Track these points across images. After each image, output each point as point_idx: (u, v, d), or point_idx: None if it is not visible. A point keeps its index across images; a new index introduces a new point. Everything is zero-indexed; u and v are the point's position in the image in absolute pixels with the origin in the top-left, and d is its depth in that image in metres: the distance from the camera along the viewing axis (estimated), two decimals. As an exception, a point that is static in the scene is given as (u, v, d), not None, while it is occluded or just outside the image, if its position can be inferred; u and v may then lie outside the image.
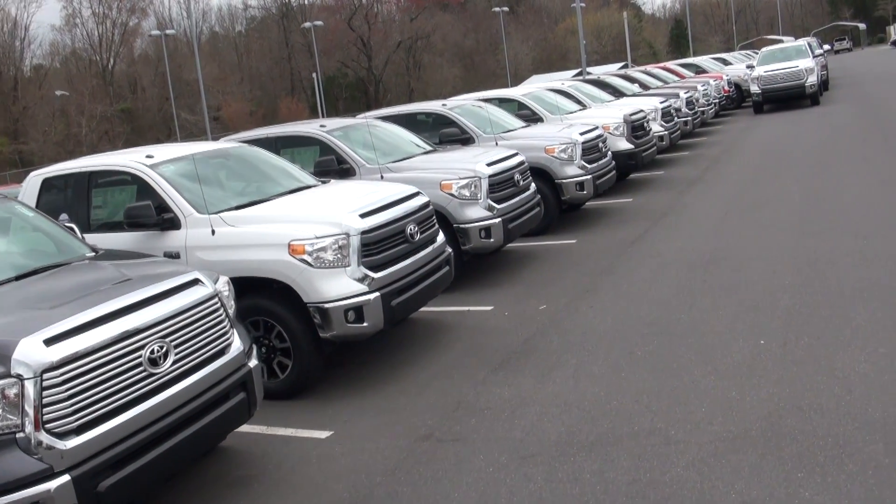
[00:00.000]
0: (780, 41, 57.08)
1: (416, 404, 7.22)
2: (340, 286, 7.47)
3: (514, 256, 12.38)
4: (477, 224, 10.59)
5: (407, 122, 14.49)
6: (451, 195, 10.61)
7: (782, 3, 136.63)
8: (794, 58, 31.10)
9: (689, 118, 23.63)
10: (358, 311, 7.48)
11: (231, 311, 6.32)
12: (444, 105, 14.85)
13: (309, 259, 7.43)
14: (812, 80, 29.73)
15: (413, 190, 8.86)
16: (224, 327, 6.04)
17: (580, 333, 8.37)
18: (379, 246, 7.81)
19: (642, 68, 34.91)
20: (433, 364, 8.17)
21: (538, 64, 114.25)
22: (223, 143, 9.99)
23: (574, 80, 23.69)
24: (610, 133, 16.34)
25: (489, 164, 11.05)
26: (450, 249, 9.24)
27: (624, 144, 16.59)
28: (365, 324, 7.52)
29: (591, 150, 14.19)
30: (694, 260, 10.57)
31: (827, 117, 25.80)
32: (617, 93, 23.29)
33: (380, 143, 11.89)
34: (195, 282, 5.95)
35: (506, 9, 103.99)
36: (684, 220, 13.29)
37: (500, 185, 11.11)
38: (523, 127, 15.36)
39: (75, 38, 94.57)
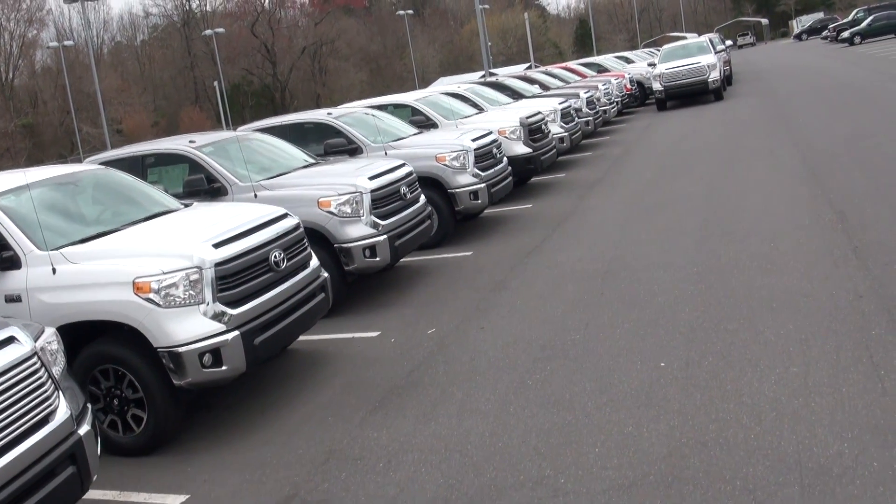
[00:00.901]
0: (684, 38, 57.42)
1: (284, 456, 6.42)
2: (193, 327, 6.64)
3: (406, 273, 11.65)
4: (360, 243, 9.82)
5: (291, 132, 13.71)
6: (330, 213, 9.81)
7: (685, 1, 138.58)
8: (695, 54, 30.95)
9: (591, 118, 23.14)
10: (215, 354, 6.66)
11: (59, 369, 5.46)
12: (329, 114, 14.01)
13: (156, 298, 6.58)
14: (714, 75, 29.61)
15: (280, 212, 8.05)
16: (45, 391, 5.14)
17: (468, 361, 7.67)
18: (238, 278, 6.99)
19: (543, 69, 34.51)
20: (307, 404, 7.38)
21: (445, 66, 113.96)
22: (75, 167, 9.03)
23: (472, 83, 23.05)
24: (506, 137, 15.69)
25: (372, 178, 10.29)
26: (325, 274, 8.44)
27: (521, 149, 15.95)
28: (224, 367, 6.70)
29: (485, 156, 13.48)
30: (592, 271, 9.95)
31: (731, 112, 25.61)
32: (516, 95, 22.72)
33: (256, 158, 11.09)
34: (9, 340, 5.07)
35: (410, 12, 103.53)
36: (584, 226, 12.70)
37: (385, 200, 10.35)
38: (415, 134, 14.51)
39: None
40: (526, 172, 16.47)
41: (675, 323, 7.62)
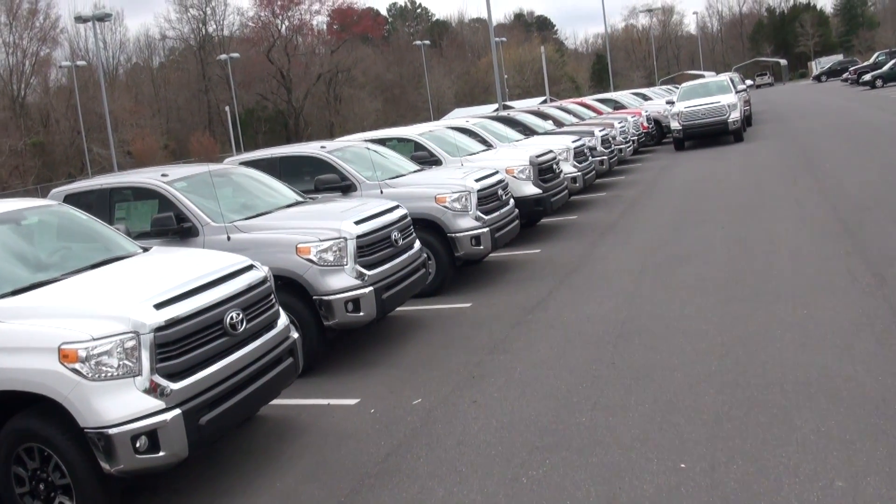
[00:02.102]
0: (702, 76, 56.60)
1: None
2: (126, 404, 5.60)
3: (397, 326, 10.57)
4: (342, 295, 8.73)
5: (283, 167, 12.75)
6: (310, 260, 8.74)
7: (703, 39, 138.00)
8: (715, 93, 29.91)
9: (606, 157, 22.03)
10: (151, 437, 5.63)
11: None
12: (322, 147, 12.93)
13: (84, 368, 5.54)
14: (735, 115, 28.53)
15: (244, 263, 7.02)
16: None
17: (455, 445, 6.57)
18: (183, 345, 5.95)
19: (557, 104, 33.49)
20: (264, 494, 6.29)
21: (461, 97, 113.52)
22: (24, 203, 7.99)
23: (482, 117, 22.01)
24: (514, 177, 14.66)
25: (359, 222, 9.23)
26: (295, 335, 7.36)
27: (530, 189, 14.89)
28: (161, 453, 5.66)
29: (490, 197, 12.45)
30: (602, 333, 8.86)
31: (752, 154, 24.51)
32: (528, 131, 21.68)
33: (236, 195, 10.17)
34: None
35: (427, 42, 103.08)
36: (595, 277, 11.61)
37: (374, 246, 9.31)
38: (415, 171, 13.55)
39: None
40: (535, 214, 15.42)
41: (698, 409, 6.52)
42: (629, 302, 9.96)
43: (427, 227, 11.65)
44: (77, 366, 5.55)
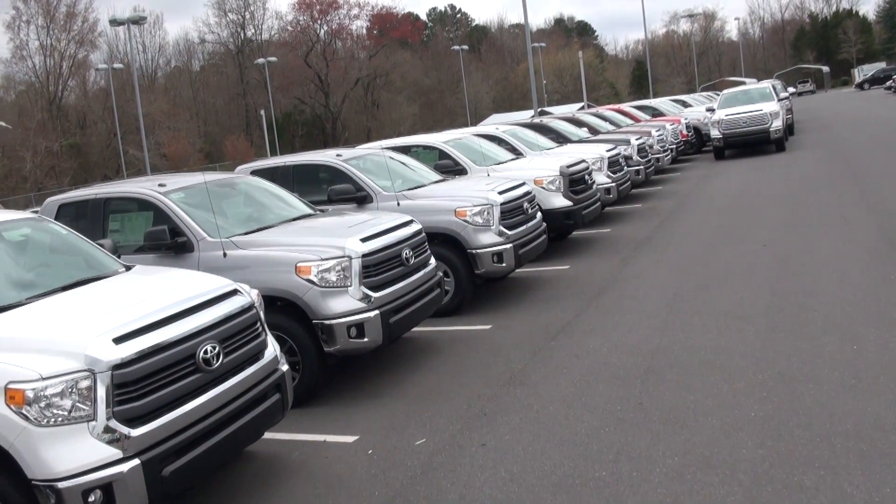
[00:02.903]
0: (743, 83, 55.42)
1: None
2: (78, 453, 4.96)
3: (407, 350, 9.81)
4: (345, 320, 7.97)
5: (297, 175, 12.20)
6: (310, 281, 8.00)
7: (744, 46, 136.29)
8: (757, 101, 28.91)
9: (642, 167, 21.06)
10: (106, 491, 4.97)
11: None
12: (338, 156, 12.28)
13: (31, 413, 4.91)
14: (777, 124, 27.52)
15: (227, 288, 6.32)
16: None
17: (457, 500, 5.80)
18: (144, 385, 5.27)
19: (594, 110, 32.60)
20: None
21: (499, 103, 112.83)
22: (3, 215, 7.34)
23: (514, 124, 21.16)
24: (543, 188, 13.86)
25: (366, 239, 8.49)
26: (284, 368, 6.62)
27: (560, 201, 14.04)
28: None
29: (514, 211, 11.66)
30: (630, 366, 8.04)
31: (794, 165, 23.52)
32: (561, 138, 20.84)
33: (238, 207, 9.66)
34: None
35: (465, 47, 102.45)
36: (626, 300, 10.78)
37: (382, 265, 8.56)
38: (436, 182, 12.77)
39: (22, 71, 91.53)
40: (564, 228, 14.62)
41: (734, 465, 5.69)
42: (661, 330, 9.14)
43: (446, 241, 10.94)
44: (24, 409, 4.90)
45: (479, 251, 10.99)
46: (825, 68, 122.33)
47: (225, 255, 8.39)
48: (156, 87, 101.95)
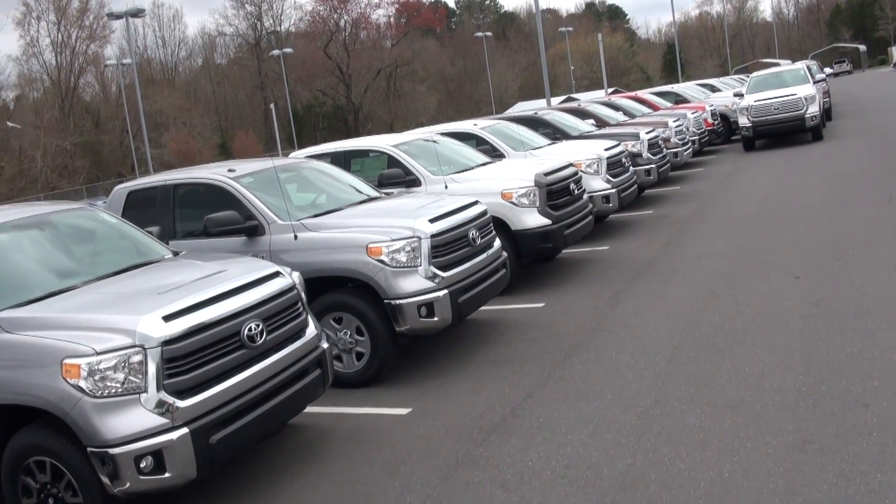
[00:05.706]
0: (777, 65, 51.97)
1: None
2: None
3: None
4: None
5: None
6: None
7: (778, 26, 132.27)
8: (790, 84, 25.68)
9: (654, 165, 17.55)
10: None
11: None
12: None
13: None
14: (813, 110, 24.28)
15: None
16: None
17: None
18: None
19: (605, 99, 29.33)
20: None
21: (525, 90, 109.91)
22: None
23: (498, 119, 18.01)
24: (513, 202, 11.19)
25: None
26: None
27: (533, 219, 10.92)
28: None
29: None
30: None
31: (834, 158, 20.22)
32: (557, 133, 17.68)
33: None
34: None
35: (489, 34, 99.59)
36: (599, 369, 7.78)
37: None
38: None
39: (33, 69, 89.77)
40: (540, 253, 11.66)
41: None
42: (637, 438, 6.15)
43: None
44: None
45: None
46: (862, 47, 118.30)
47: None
48: (176, 82, 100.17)
